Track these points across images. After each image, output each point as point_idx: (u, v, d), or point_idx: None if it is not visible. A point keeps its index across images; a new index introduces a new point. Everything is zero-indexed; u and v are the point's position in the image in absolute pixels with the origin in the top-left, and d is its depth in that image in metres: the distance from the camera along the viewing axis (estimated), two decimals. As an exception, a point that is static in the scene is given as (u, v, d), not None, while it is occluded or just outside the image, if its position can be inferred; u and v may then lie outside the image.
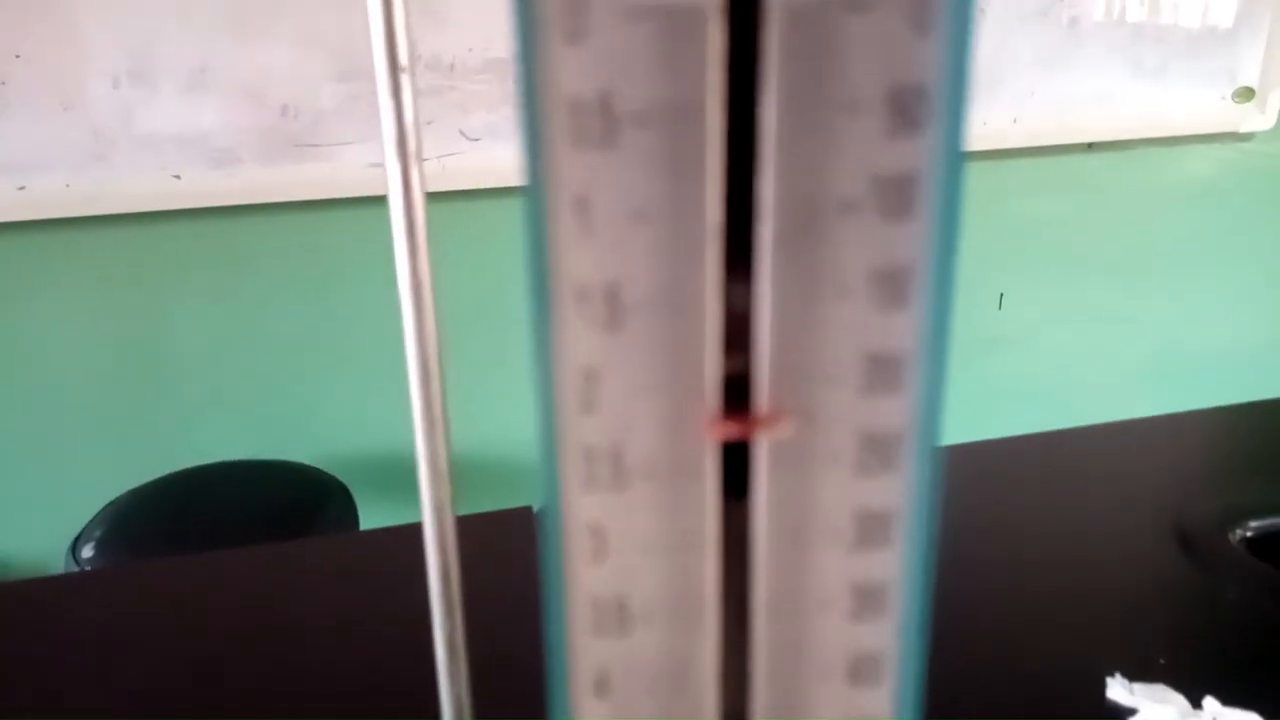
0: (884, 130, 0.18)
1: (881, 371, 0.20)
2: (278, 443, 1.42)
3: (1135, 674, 0.62)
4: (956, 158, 0.18)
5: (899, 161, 0.18)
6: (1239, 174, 1.77)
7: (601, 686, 0.22)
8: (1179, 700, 0.60)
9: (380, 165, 0.51)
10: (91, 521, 1.22)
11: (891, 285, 0.19)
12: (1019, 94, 1.56)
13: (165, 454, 1.36)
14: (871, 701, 0.22)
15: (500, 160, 1.26)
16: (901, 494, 0.21)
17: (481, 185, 1.31)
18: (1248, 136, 1.71)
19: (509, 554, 0.74)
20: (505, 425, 1.37)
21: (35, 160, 1.25)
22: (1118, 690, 0.61)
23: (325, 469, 1.34)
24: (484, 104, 1.29)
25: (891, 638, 0.22)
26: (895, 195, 0.19)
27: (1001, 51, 1.52)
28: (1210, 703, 0.60)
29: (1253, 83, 1.61)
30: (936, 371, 0.20)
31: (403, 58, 0.43)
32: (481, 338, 1.34)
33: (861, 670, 0.22)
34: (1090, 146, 1.65)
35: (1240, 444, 0.98)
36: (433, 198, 0.54)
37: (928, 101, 0.18)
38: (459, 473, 0.61)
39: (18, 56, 1.19)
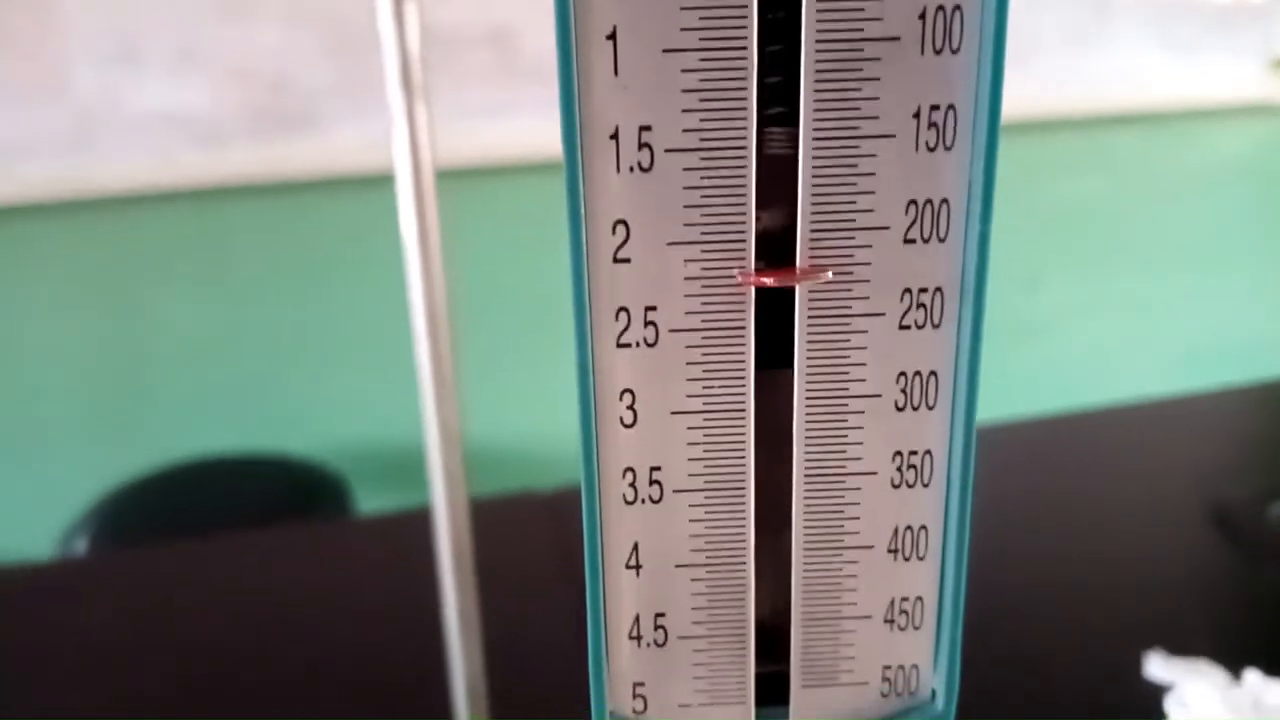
0: (927, -43, 0.18)
1: (924, 219, 0.19)
2: (272, 434, 1.41)
3: (1175, 650, 0.61)
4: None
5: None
6: (1276, 149, 1.74)
7: (635, 560, 0.21)
8: (1218, 674, 0.59)
9: (374, 146, 0.50)
10: (81, 517, 1.22)
11: (935, 125, 0.19)
12: (1048, 69, 1.54)
13: (156, 446, 1.35)
14: (914, 579, 0.22)
15: (503, 137, 1.23)
16: (945, 356, 0.20)
17: (483, 164, 1.29)
18: None
19: (521, 539, 0.73)
20: (517, 412, 1.36)
21: (17, 143, 1.24)
22: (1157, 665, 0.60)
23: (321, 460, 1.33)
24: (483, 78, 1.27)
25: (935, 512, 0.21)
26: (939, 30, 0.18)
27: (1029, 27, 1.51)
28: (1252, 675, 0.58)
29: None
30: (982, 224, 0.19)
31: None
32: (484, 324, 1.33)
33: (904, 546, 0.21)
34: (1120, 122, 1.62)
35: (1278, 421, 0.97)
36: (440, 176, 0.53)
37: (972, -75, 0.17)
38: (468, 460, 0.60)
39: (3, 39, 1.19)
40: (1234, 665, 0.60)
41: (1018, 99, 1.52)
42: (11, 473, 1.41)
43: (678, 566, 0.21)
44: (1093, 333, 1.74)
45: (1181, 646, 0.62)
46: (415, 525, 0.59)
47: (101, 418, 1.42)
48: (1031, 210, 1.65)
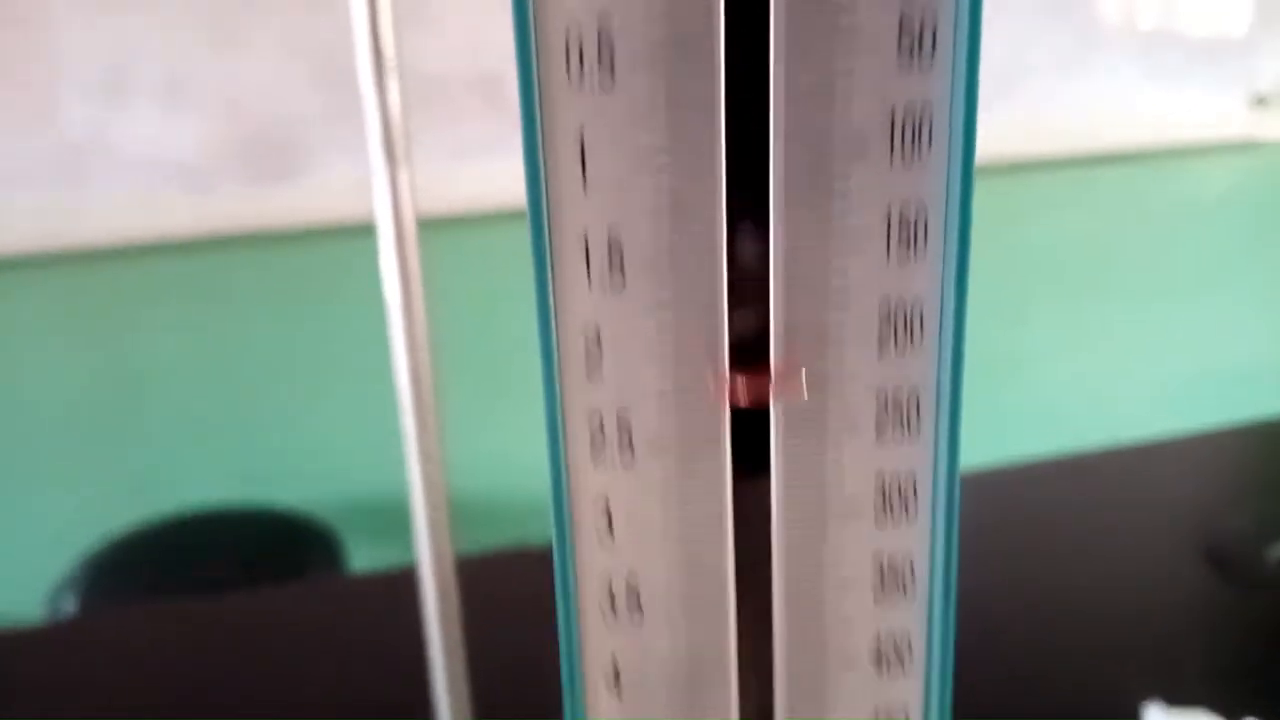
0: (895, 62, 0.17)
1: (899, 324, 0.19)
2: (263, 486, 1.39)
3: (1173, 698, 0.60)
4: (970, 89, 0.17)
5: (912, 93, 0.17)
6: (1260, 183, 1.76)
7: (614, 678, 0.20)
8: (1217, 725, 0.58)
9: (364, 191, 0.50)
10: (72, 571, 1.19)
11: (906, 228, 0.18)
12: (1029, 102, 1.55)
13: (144, 497, 1.33)
14: (899, 690, 0.21)
15: (492, 183, 1.22)
16: (923, 461, 0.20)
17: (475, 209, 1.28)
18: (1267, 144, 1.70)
19: (511, 599, 0.72)
20: (503, 461, 1.34)
21: (4, 176, 1.23)
22: (1155, 716, 0.59)
23: (312, 512, 1.31)
24: (476, 120, 1.27)
25: (919, 621, 0.21)
26: (908, 132, 0.18)
27: (1011, 59, 1.52)
28: (1251, 723, 0.57)
29: (1272, 89, 1.61)
30: (957, 326, 0.19)
31: (388, 53, 0.43)
32: (477, 370, 1.32)
33: (888, 654, 0.21)
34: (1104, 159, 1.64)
35: (1272, 461, 0.97)
36: (423, 224, 0.53)
37: (938, 30, 0.17)
38: (454, 511, 0.59)
39: None
40: (1233, 712, 0.59)
41: (1003, 135, 1.54)
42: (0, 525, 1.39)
43: (659, 680, 0.21)
44: (1079, 368, 1.74)
45: (1179, 692, 0.61)
46: (407, 582, 0.57)
47: (90, 470, 1.40)
48: (1018, 246, 1.66)
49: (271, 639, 0.75)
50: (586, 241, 0.18)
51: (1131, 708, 0.60)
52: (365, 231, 0.53)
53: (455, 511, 0.55)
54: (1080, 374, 1.74)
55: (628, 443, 0.19)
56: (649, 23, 0.17)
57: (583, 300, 0.18)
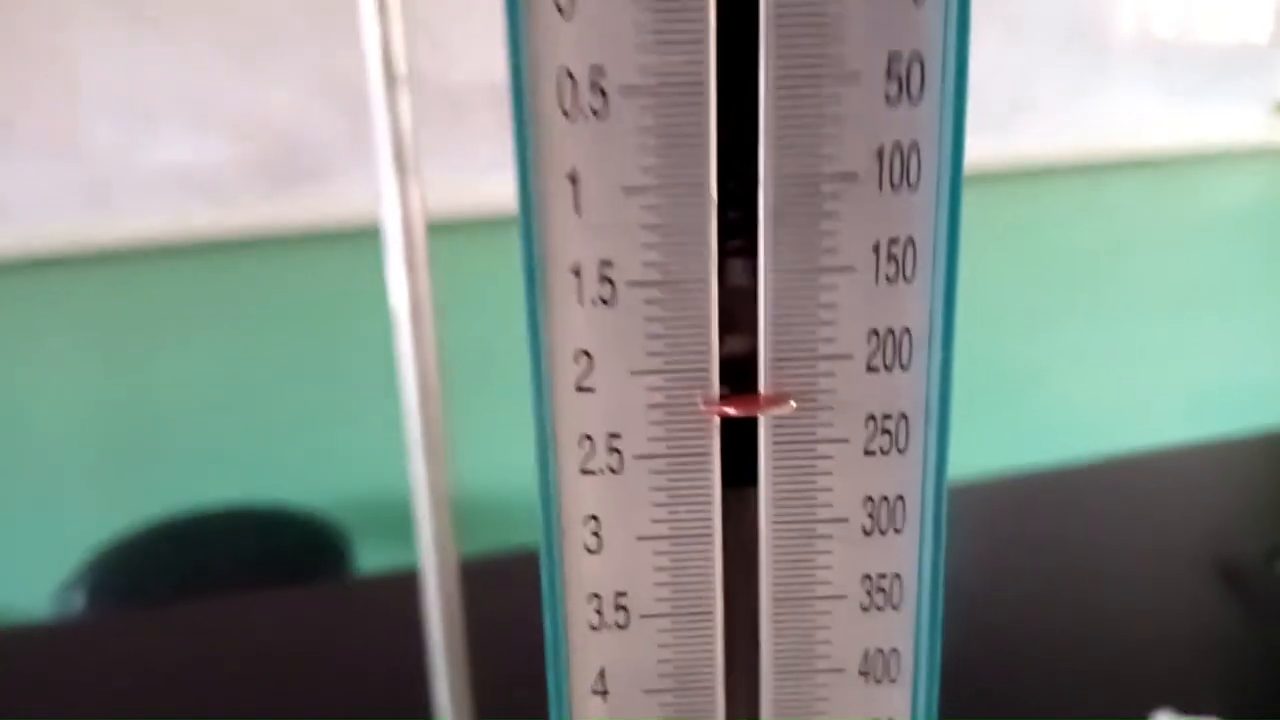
0: (883, 98, 0.18)
1: (887, 350, 0.19)
2: (276, 487, 1.40)
3: (1183, 707, 0.61)
4: (958, 125, 0.18)
5: (899, 130, 0.18)
6: (1279, 193, 1.75)
7: (601, 688, 0.21)
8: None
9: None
10: (80, 569, 1.21)
11: (894, 258, 0.19)
12: (1050, 116, 1.55)
13: (160, 499, 1.35)
14: (887, 704, 0.21)
15: (507, 187, 1.24)
16: (912, 479, 0.20)
17: (485, 214, 1.30)
18: None
19: (515, 601, 0.73)
20: (509, 465, 1.35)
21: (33, 199, 1.26)
22: (1165, 723, 0.59)
23: (324, 514, 1.32)
24: (489, 133, 1.29)
25: (906, 632, 0.21)
26: (896, 166, 0.18)
27: (1031, 73, 1.52)
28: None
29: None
30: (944, 351, 0.19)
31: (400, 67, 0.44)
32: (490, 376, 1.33)
33: (875, 669, 0.21)
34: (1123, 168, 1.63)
35: (1285, 473, 0.97)
36: (434, 228, 0.54)
37: (925, 68, 0.18)
38: (463, 514, 0.60)
39: (20, 99, 1.21)
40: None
41: (1022, 144, 1.54)
42: (14, 523, 1.41)
43: (646, 692, 0.21)
44: (1094, 379, 1.73)
45: (1189, 703, 0.61)
46: (413, 584, 0.58)
47: (106, 470, 1.42)
48: (1036, 255, 1.65)
49: (277, 640, 0.76)
50: (578, 265, 0.18)
51: (1141, 716, 0.60)
52: (380, 236, 0.53)
53: (461, 514, 0.55)
54: (1097, 383, 1.73)
55: (617, 456, 0.20)
56: (642, 56, 0.17)
57: (573, 318, 0.19)
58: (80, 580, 1.19)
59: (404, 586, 0.62)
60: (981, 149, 1.54)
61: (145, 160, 1.28)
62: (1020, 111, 1.53)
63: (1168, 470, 0.96)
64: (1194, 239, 1.74)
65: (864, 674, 0.21)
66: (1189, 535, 0.83)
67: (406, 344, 0.53)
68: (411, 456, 0.54)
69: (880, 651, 0.21)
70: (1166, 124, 1.61)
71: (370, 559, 1.31)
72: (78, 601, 1.16)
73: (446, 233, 0.58)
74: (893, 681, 0.21)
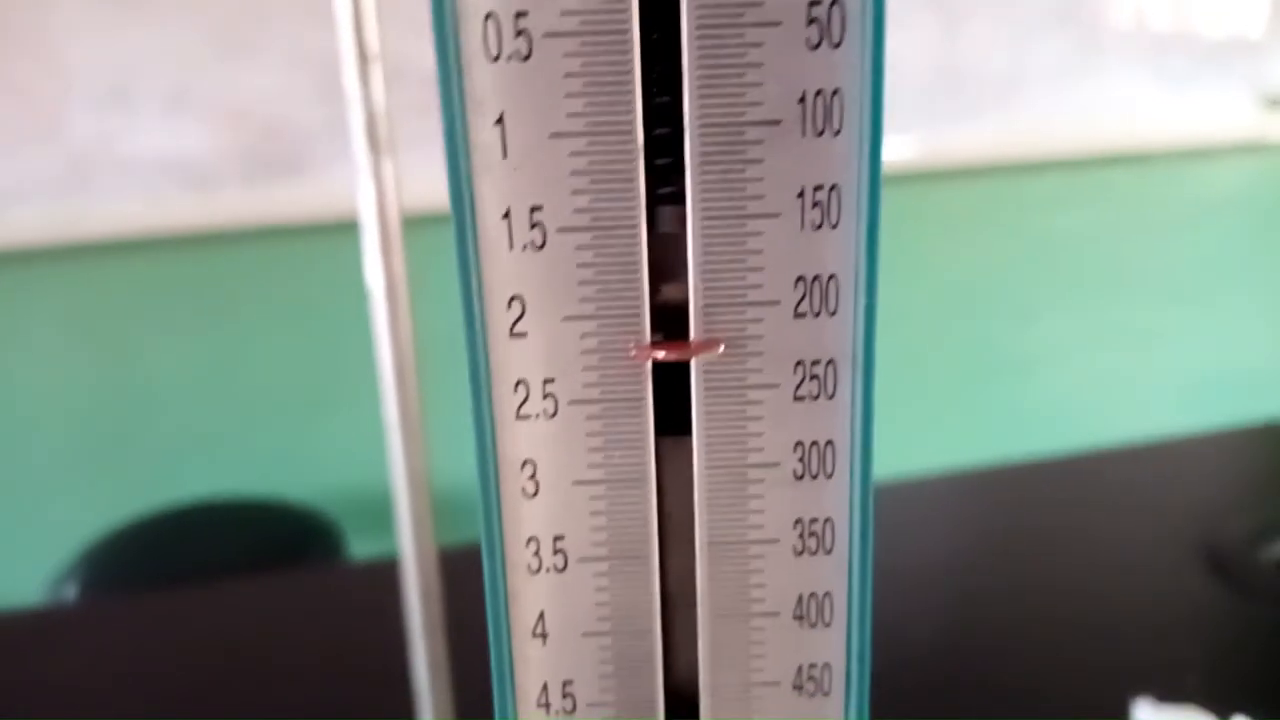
0: (804, 44, 0.18)
1: (814, 296, 0.20)
2: (265, 478, 1.40)
3: (1166, 692, 0.61)
4: (877, 70, 0.18)
5: (821, 77, 0.18)
6: (1270, 185, 1.75)
7: (541, 629, 0.21)
8: (1207, 721, 0.59)
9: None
10: (73, 561, 1.21)
11: (819, 204, 0.19)
12: (1038, 103, 1.55)
13: (147, 491, 1.35)
14: (821, 646, 0.22)
15: None
16: (840, 425, 0.21)
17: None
18: (1278, 146, 1.70)
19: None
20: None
21: (11, 186, 1.26)
22: (1145, 712, 0.60)
23: (314, 505, 1.32)
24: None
25: (839, 575, 0.21)
26: (819, 113, 0.19)
27: (1020, 59, 1.52)
28: (1240, 720, 0.58)
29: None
30: (868, 297, 0.20)
31: (373, 45, 0.44)
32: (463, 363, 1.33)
33: (809, 612, 0.22)
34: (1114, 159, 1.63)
35: (1273, 463, 0.97)
36: (412, 221, 0.54)
37: (846, 13, 0.18)
38: (447, 505, 0.60)
39: None
40: (1224, 709, 0.59)
41: (1010, 134, 1.54)
42: (1, 516, 1.41)
43: (584, 635, 0.21)
44: (1086, 367, 1.74)
45: (1172, 689, 0.61)
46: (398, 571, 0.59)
47: (93, 461, 1.42)
48: (1026, 246, 1.66)
49: (263, 624, 0.77)
50: (508, 210, 0.19)
51: (1123, 705, 0.61)
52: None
53: (441, 504, 0.56)
54: (1088, 374, 1.74)
55: (551, 401, 0.20)
56: (566, 0, 0.18)
57: (505, 264, 0.19)
58: (70, 574, 1.19)
59: (390, 573, 0.62)
60: (972, 137, 1.54)
61: (126, 147, 1.27)
62: (1010, 97, 1.54)
63: (1155, 460, 0.96)
64: (1184, 230, 1.74)
65: (798, 618, 0.22)
66: (1174, 522, 0.83)
67: (382, 324, 0.53)
68: (389, 443, 0.54)
69: (814, 596, 0.22)
70: (1157, 115, 1.61)
71: (360, 550, 1.32)
72: (68, 594, 1.17)
73: (425, 225, 0.59)
74: (827, 625, 0.22)
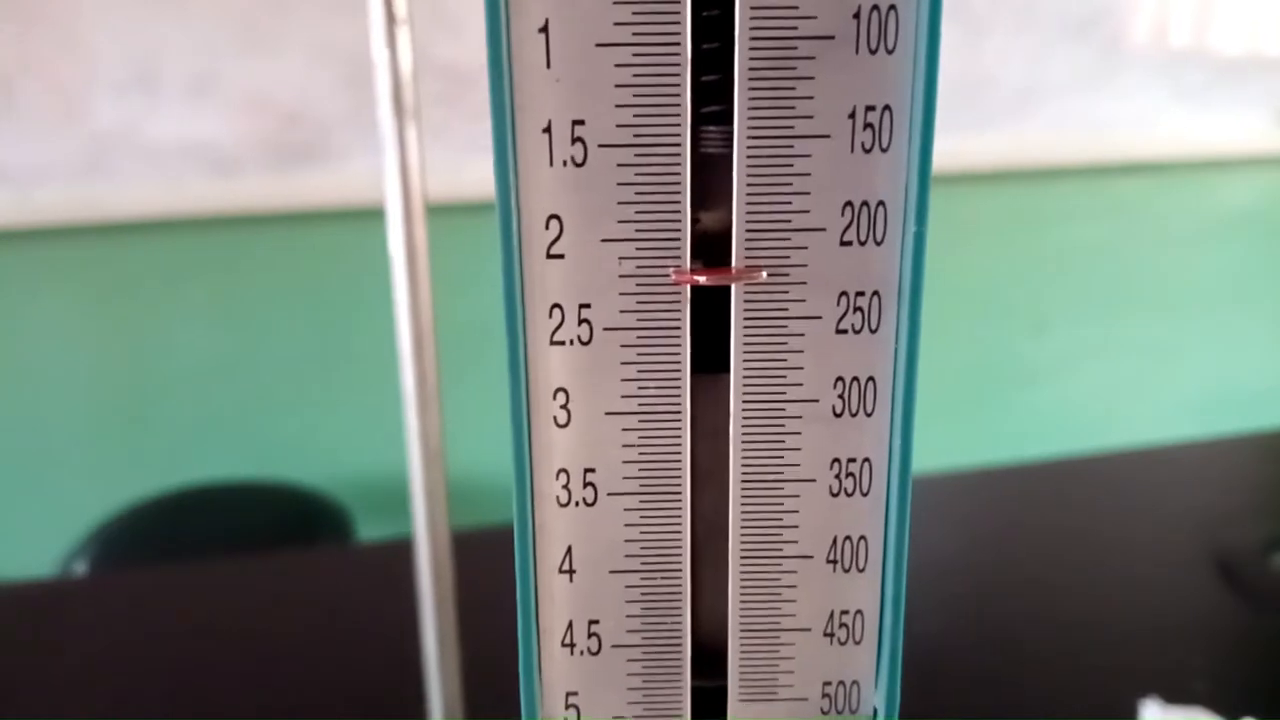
0: (859, -44, 0.18)
1: (860, 221, 0.19)
2: (276, 461, 1.40)
3: (1174, 696, 0.60)
4: (935, -14, 0.17)
5: (876, -8, 0.18)
6: (1282, 201, 1.74)
7: (568, 565, 0.21)
8: (1214, 724, 0.58)
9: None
10: (83, 540, 1.21)
11: (870, 125, 0.18)
12: (1056, 114, 1.55)
13: (160, 471, 1.35)
14: (854, 592, 0.21)
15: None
16: (883, 361, 0.20)
17: (487, 197, 1.30)
18: None
19: (507, 570, 0.73)
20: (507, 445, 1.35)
21: (34, 168, 1.26)
22: (1152, 712, 0.59)
23: (324, 489, 1.32)
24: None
25: (876, 519, 0.21)
26: (873, 31, 0.18)
27: (1039, 70, 1.51)
28: (1249, 724, 0.57)
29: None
30: (919, 225, 0.19)
31: (399, 8, 0.43)
32: (491, 357, 1.33)
33: (843, 556, 0.21)
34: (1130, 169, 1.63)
35: (1282, 470, 0.96)
36: (436, 211, 0.53)
37: (904, -74, 0.17)
38: (462, 488, 0.60)
39: (23, 65, 1.21)
40: (1232, 713, 0.58)
41: (1027, 143, 1.53)
42: (15, 494, 1.41)
43: (612, 572, 0.21)
44: (1099, 377, 1.73)
45: (1180, 693, 0.61)
46: (408, 553, 0.58)
47: (106, 441, 1.43)
48: (1039, 253, 1.65)
49: (272, 602, 0.76)
50: (549, 124, 0.18)
51: (1130, 707, 0.60)
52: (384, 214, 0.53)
53: (456, 490, 0.55)
54: (1100, 384, 1.73)
55: (586, 327, 0.19)
56: (617, -96, 0.17)
57: (544, 180, 0.19)
58: (80, 553, 1.19)
59: (402, 554, 0.62)
60: (989, 145, 1.53)
61: (149, 131, 1.28)
62: (1027, 108, 1.53)
63: (1167, 464, 0.96)
64: (1199, 242, 1.74)
65: (831, 562, 0.21)
66: (1186, 528, 0.82)
67: (402, 295, 0.53)
68: (407, 427, 0.54)
69: (849, 539, 0.21)
70: (1174, 128, 1.61)
71: (369, 535, 1.31)
72: (78, 570, 1.17)
73: (443, 215, 0.58)
74: (860, 570, 0.21)
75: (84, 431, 1.41)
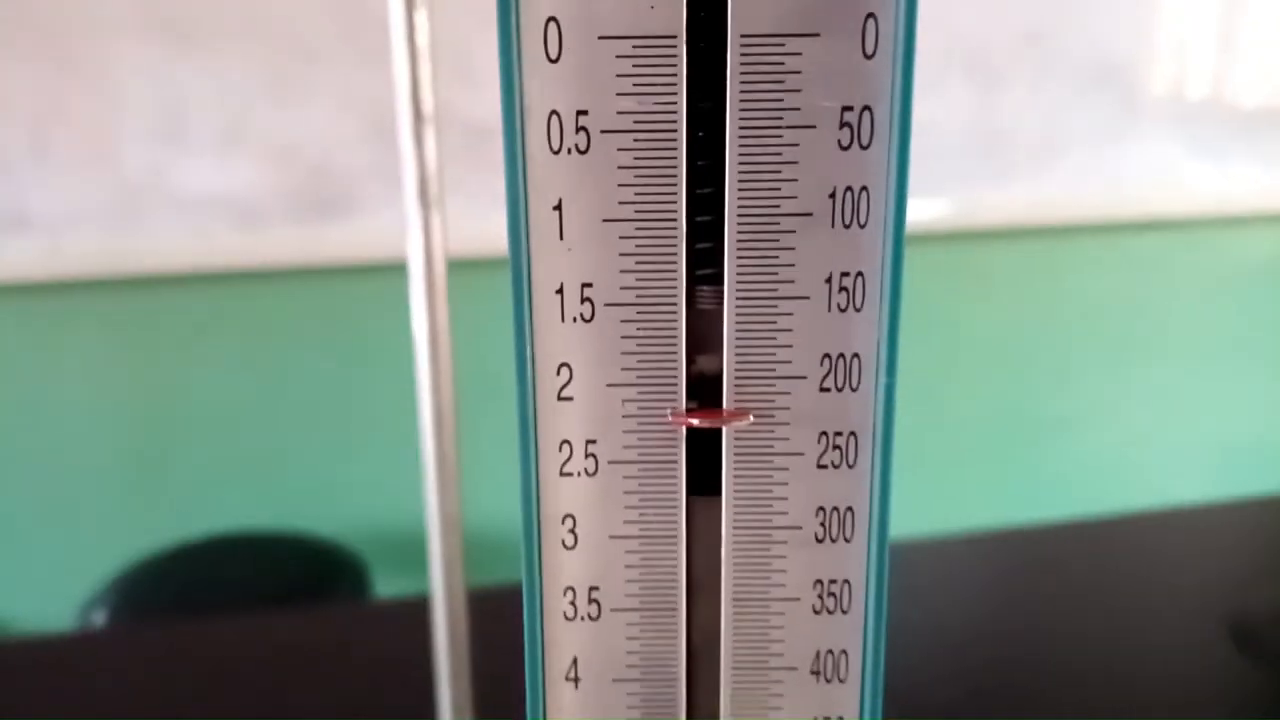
0: (836, 145, 0.20)
1: (837, 371, 0.21)
2: (295, 513, 1.43)
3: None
4: (902, 170, 0.20)
5: (851, 175, 0.20)
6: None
7: (574, 674, 0.23)
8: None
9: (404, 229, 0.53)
10: (103, 589, 1.23)
11: (845, 289, 0.21)
12: (1074, 168, 1.57)
13: (180, 522, 1.37)
14: (837, 701, 0.23)
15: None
16: (860, 492, 0.22)
17: (505, 252, 1.33)
18: None
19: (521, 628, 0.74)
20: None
21: (66, 215, 1.30)
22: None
23: (342, 541, 1.34)
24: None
25: (855, 635, 0.23)
26: (848, 206, 0.20)
27: (1057, 124, 1.54)
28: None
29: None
30: (888, 376, 0.21)
31: (427, 105, 0.46)
32: (509, 410, 1.35)
33: (825, 668, 0.23)
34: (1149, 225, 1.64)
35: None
36: (456, 265, 0.56)
37: (875, 119, 0.20)
38: (478, 545, 0.62)
39: (55, 111, 1.25)
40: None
41: (1045, 198, 1.56)
42: (35, 542, 1.44)
43: (614, 681, 0.23)
44: (1121, 432, 1.73)
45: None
46: (424, 610, 0.60)
47: (128, 491, 1.45)
48: (1057, 307, 1.66)
49: (289, 658, 0.78)
50: (562, 286, 0.21)
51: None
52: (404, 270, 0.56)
53: (473, 545, 0.57)
54: (1118, 438, 1.74)
55: (593, 460, 0.22)
56: (621, 101, 0.20)
57: (556, 334, 0.21)
58: (100, 600, 1.22)
59: (417, 612, 0.63)
60: (1008, 199, 1.55)
61: (177, 181, 1.31)
62: (1046, 164, 1.55)
63: (1188, 528, 0.96)
64: (1217, 297, 1.74)
65: (815, 673, 0.23)
66: (1201, 591, 0.83)
67: (424, 373, 0.55)
68: (425, 482, 0.56)
69: (830, 652, 0.23)
70: (1192, 182, 1.62)
71: (386, 588, 1.33)
72: (98, 620, 1.19)
73: (468, 269, 0.61)
74: (842, 681, 0.23)
75: (105, 481, 1.44)
